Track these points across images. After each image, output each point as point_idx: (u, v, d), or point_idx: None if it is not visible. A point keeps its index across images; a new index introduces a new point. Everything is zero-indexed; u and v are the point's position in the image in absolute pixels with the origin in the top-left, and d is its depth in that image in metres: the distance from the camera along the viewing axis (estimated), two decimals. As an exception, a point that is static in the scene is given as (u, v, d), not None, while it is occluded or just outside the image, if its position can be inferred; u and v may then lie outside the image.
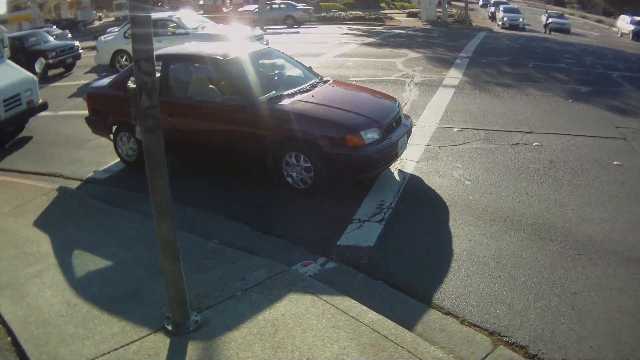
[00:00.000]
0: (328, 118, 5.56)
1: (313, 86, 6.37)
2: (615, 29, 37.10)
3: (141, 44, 2.82)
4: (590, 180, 6.02)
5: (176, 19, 14.61)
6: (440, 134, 7.82)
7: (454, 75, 12.53)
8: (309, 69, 7.16)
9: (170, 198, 3.13)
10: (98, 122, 7.14)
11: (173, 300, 3.31)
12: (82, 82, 14.25)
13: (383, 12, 40.92)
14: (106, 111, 6.94)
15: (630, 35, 31.54)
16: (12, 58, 10.85)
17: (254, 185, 6.10)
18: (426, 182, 6.03)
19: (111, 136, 7.03)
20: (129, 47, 14.27)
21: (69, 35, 24.38)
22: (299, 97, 5.94)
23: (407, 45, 19.03)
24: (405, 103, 9.65)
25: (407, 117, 6.48)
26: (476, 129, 8.01)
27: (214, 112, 5.98)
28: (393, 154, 5.68)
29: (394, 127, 5.82)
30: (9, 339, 3.47)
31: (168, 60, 6.40)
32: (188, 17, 15.60)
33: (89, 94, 7.38)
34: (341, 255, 4.49)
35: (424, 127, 8.13)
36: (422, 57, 15.72)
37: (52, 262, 4.41)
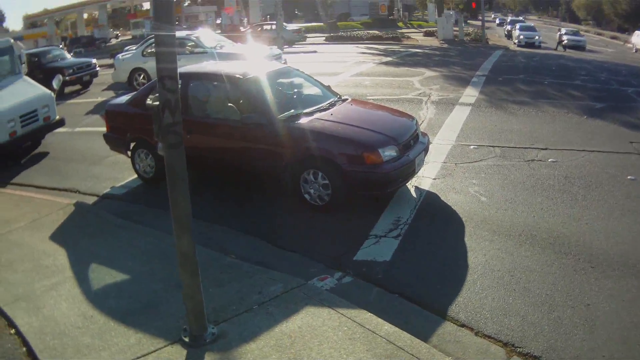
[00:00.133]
0: (346, 136, 5.60)
1: (332, 105, 6.42)
2: (630, 45, 36.94)
3: (165, 62, 2.92)
4: (604, 194, 6.01)
5: (194, 38, 14.60)
6: (456, 151, 7.84)
7: (470, 94, 12.56)
8: (328, 87, 7.21)
9: (190, 213, 3.19)
10: (116, 138, 7.23)
11: (191, 312, 3.34)
12: (99, 99, 14.43)
13: (400, 31, 41.16)
14: (124, 128, 7.04)
15: (645, 51, 31.48)
16: (29, 74, 10.95)
17: (272, 202, 6.15)
18: (442, 198, 6.05)
19: (129, 153, 7.11)
20: (146, 66, 14.44)
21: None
22: (317, 115, 5.99)
23: (424, 64, 19.10)
24: (423, 121, 9.69)
25: (424, 134, 6.52)
26: (492, 146, 8.02)
27: (233, 130, 6.05)
28: (410, 171, 5.71)
29: (411, 144, 5.86)
30: (24, 349, 3.49)
31: (187, 78, 6.45)
32: (206, 36, 15.55)
33: (108, 111, 7.50)
34: (358, 270, 4.51)
35: (441, 144, 8.17)
36: (439, 76, 15.79)
37: (68, 275, 4.44)
